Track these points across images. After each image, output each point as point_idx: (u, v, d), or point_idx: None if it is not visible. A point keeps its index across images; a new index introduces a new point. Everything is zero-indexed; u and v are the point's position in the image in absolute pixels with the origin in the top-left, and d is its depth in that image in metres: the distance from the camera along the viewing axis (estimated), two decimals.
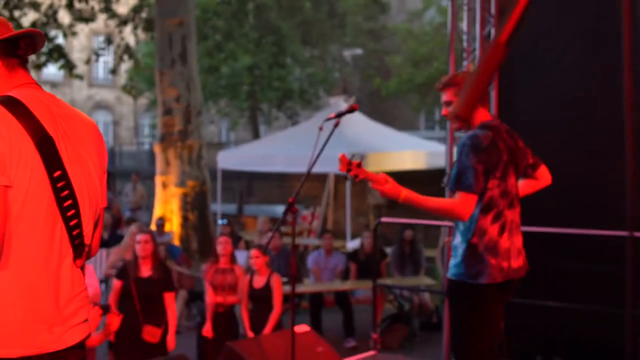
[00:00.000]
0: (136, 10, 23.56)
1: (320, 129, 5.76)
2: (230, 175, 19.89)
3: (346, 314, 11.52)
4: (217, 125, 44.87)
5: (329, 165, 16.51)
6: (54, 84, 41.43)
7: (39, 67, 23.63)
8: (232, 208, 22.08)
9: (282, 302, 9.13)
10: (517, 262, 4.78)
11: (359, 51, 29.70)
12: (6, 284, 2.71)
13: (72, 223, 2.85)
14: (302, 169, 17.66)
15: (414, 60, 29.50)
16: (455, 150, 5.16)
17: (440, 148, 18.43)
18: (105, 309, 5.87)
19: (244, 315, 9.13)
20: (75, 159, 2.91)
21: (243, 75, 28.47)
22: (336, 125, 5.60)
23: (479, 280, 4.62)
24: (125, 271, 8.21)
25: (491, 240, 4.64)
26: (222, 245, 9.21)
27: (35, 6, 22.68)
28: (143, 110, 42.67)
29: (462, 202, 4.53)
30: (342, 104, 18.37)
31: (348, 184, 15.85)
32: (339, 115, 5.59)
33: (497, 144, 4.66)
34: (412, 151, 17.00)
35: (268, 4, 26.65)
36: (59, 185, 2.79)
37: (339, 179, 18.84)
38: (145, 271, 8.13)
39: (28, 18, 22.96)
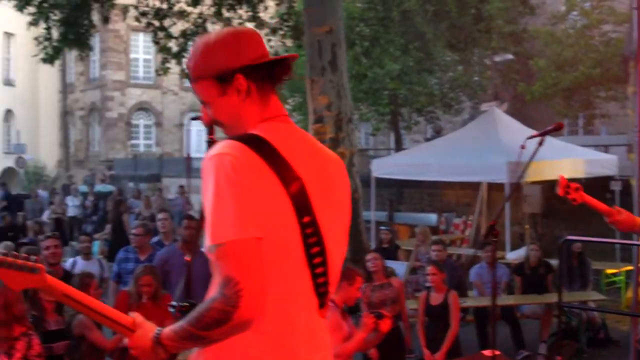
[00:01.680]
0: (283, 18, 23.69)
1: (523, 147, 5.48)
2: (381, 183, 19.74)
3: (513, 327, 11.27)
4: (358, 130, 44.84)
5: (482, 174, 16.34)
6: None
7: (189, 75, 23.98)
8: (382, 215, 21.92)
9: (459, 320, 8.92)
10: None
11: (509, 56, 29.20)
12: (263, 338, 2.58)
13: (318, 271, 2.69)
14: (455, 177, 17.54)
15: (557, 64, 28.80)
16: None
17: (599, 155, 17.85)
18: (379, 316, 6.14)
19: (420, 332, 8.95)
20: (325, 201, 2.74)
21: (386, 80, 28.33)
22: (540, 144, 5.30)
23: None
24: None
25: None
26: (371, 261, 9.05)
27: (184, 15, 23.06)
28: None
29: None
30: (495, 110, 18.03)
31: (505, 193, 15.47)
32: (543, 133, 5.31)
33: None
34: (571, 159, 16.46)
35: (414, 9, 26.42)
36: (307, 231, 2.64)
37: (492, 187, 18.47)
38: None
39: (177, 27, 23.37)
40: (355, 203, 18.24)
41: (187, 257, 9.14)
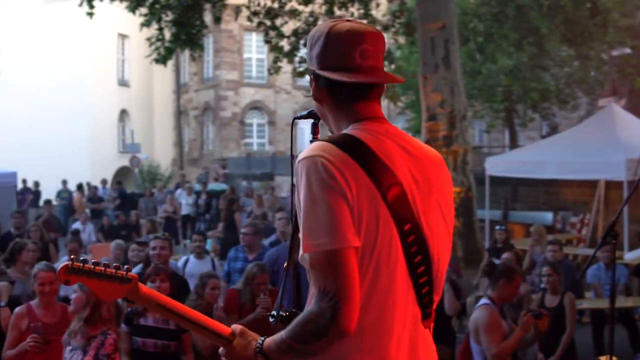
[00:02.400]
0: (395, 15, 23.55)
1: None
2: (495, 181, 19.43)
3: (631, 330, 10.92)
4: (472, 127, 44.33)
5: (600, 172, 15.92)
6: (309, 90, 42.20)
7: (301, 74, 24.10)
8: (496, 214, 21.55)
9: (575, 323, 8.65)
10: None
11: (627, 50, 28.38)
12: (361, 355, 2.45)
13: (421, 281, 2.54)
14: (572, 175, 17.13)
15: None
16: None
17: None
18: (538, 315, 6.21)
19: None
20: (427, 206, 2.58)
21: (500, 76, 27.92)
22: None
23: None
24: None
25: None
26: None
27: (296, 14, 23.14)
28: (397, 114, 42.77)
29: None
30: (612, 106, 17.55)
31: (623, 191, 15.01)
32: None
33: None
34: None
35: (528, 4, 25.93)
36: (409, 240, 2.49)
37: (610, 185, 17.96)
38: None
39: (289, 26, 23.47)
40: (469, 202, 18.03)
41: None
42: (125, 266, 2.68)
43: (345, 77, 2.57)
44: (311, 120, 3.04)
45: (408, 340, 2.52)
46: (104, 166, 39.94)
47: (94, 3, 20.93)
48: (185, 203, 24.28)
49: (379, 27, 23.27)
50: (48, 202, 19.93)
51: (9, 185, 17.57)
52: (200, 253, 11.02)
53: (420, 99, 19.31)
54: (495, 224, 16.16)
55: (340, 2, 23.04)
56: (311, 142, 2.71)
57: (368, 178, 2.43)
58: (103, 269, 2.60)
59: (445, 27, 18.18)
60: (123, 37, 43.70)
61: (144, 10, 21.52)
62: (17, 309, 6.68)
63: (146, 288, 2.70)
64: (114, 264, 2.66)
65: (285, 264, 2.87)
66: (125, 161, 37.38)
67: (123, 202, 25.43)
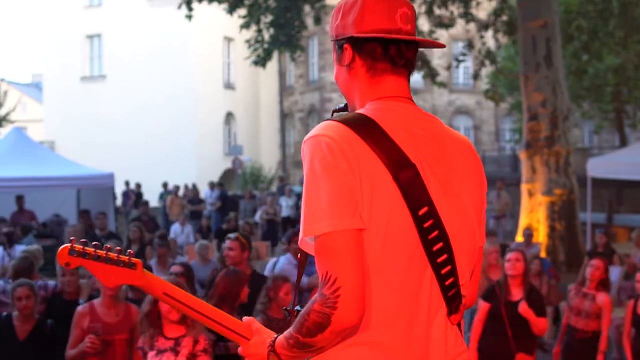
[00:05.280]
0: (497, 13, 23.14)
1: None
2: (599, 183, 18.83)
3: None
4: (580, 128, 43.36)
5: None
6: (415, 91, 41.79)
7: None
8: (600, 217, 20.93)
9: None
10: None
11: None
12: (367, 350, 2.25)
13: (444, 271, 2.31)
14: None
15: None
16: None
17: None
18: None
19: (625, 343, 8.28)
20: (446, 190, 2.36)
21: (607, 76, 27.24)
22: None
23: None
24: (493, 292, 7.64)
25: None
26: (590, 269, 8.35)
27: None
28: (504, 115, 42.15)
29: None
30: None
31: None
32: None
33: None
34: None
35: (634, 1, 25.15)
36: (425, 225, 2.26)
37: None
38: (516, 294, 7.50)
39: None
40: (571, 204, 17.54)
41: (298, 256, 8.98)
42: (128, 250, 2.55)
43: (391, 36, 2.42)
44: None
45: (426, 336, 2.31)
46: (210, 168, 40.35)
47: (193, 5, 21.13)
48: (285, 205, 24.25)
49: (479, 26, 22.92)
50: (145, 203, 20.16)
51: (107, 186, 17.81)
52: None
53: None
54: (597, 228, 15.64)
55: (440, 1, 22.73)
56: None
57: (377, 158, 2.23)
58: (105, 252, 2.48)
59: (547, 25, 17.76)
60: (228, 40, 44.05)
61: (243, 12, 21.64)
62: (80, 307, 6.61)
63: (152, 275, 2.55)
64: (117, 248, 2.53)
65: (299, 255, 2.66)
66: (230, 163, 37.70)
67: (224, 205, 25.57)
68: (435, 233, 2.28)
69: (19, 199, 17.04)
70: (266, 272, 9.56)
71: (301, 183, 25.74)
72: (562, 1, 23.03)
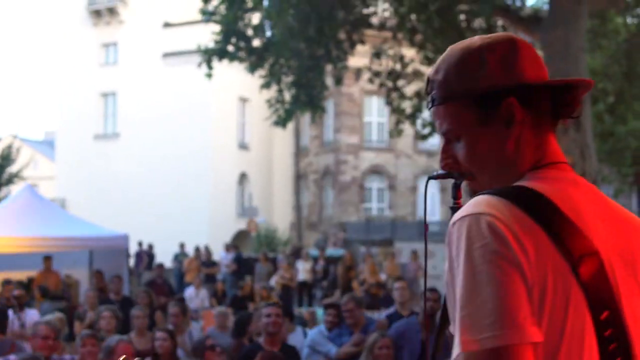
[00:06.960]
0: None
1: None
2: None
3: None
4: None
5: None
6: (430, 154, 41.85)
7: (424, 137, 23.46)
8: None
9: None
10: None
11: None
12: None
13: None
14: None
15: None
16: None
17: None
18: None
19: None
20: (630, 287, 1.73)
21: (629, 139, 26.87)
22: None
23: None
24: None
25: None
26: None
27: (418, 75, 22.50)
28: None
29: None
30: None
31: None
32: None
33: None
34: None
35: None
36: (606, 333, 1.64)
37: None
38: None
39: (411, 88, 22.84)
40: None
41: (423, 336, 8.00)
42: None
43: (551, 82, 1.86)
44: (450, 181, 2.13)
45: None
46: (223, 229, 39.93)
47: (213, 64, 20.80)
48: (301, 269, 23.71)
49: None
50: (160, 265, 19.70)
51: (120, 248, 17.37)
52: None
53: None
54: None
55: None
56: (452, 208, 1.88)
57: (553, 245, 1.63)
58: None
59: None
60: (244, 100, 43.92)
61: (263, 72, 21.34)
62: None
63: None
64: None
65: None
66: (243, 224, 37.28)
67: (239, 267, 25.08)
68: (615, 345, 1.66)
69: (47, 260, 16.35)
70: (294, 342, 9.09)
71: (316, 245, 25.17)
72: (587, 63, 22.67)
